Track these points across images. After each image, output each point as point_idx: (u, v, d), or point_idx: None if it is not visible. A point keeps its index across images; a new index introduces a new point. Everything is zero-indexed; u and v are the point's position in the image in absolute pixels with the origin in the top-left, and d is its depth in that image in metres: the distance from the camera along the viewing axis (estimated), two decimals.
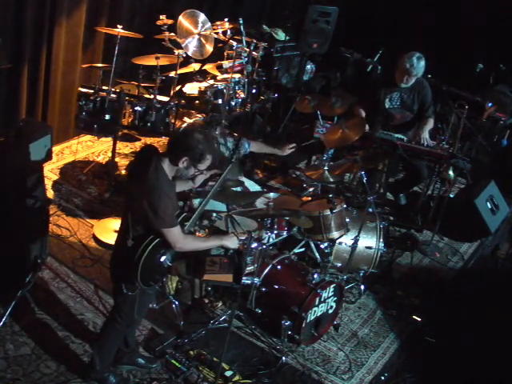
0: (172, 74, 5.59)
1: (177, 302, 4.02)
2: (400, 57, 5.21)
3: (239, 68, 5.82)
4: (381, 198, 5.57)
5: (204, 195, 3.45)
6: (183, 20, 5.59)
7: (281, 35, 6.98)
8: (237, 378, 3.69)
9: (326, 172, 4.56)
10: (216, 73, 5.90)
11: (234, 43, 5.73)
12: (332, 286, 4.06)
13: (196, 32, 5.65)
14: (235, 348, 3.93)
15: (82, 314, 4.01)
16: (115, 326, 3.37)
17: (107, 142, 6.01)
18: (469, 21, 7.09)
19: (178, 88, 5.46)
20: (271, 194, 4.25)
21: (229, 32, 5.87)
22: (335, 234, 4.35)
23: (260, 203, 4.32)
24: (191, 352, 3.80)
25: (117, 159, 5.59)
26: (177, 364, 3.71)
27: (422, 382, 3.98)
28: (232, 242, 3.36)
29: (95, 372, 3.46)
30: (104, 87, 5.27)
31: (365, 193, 4.89)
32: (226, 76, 5.75)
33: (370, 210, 4.51)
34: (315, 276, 4.01)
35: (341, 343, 4.20)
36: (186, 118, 5.41)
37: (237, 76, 5.71)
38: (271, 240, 4.20)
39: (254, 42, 5.86)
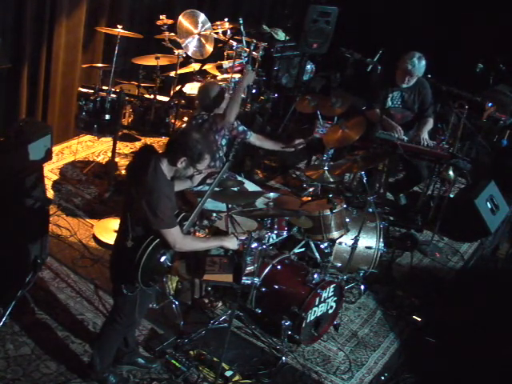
0: (172, 74, 5.60)
1: (177, 302, 4.02)
2: (400, 57, 5.21)
3: (239, 68, 5.82)
4: (381, 198, 5.57)
5: (202, 195, 3.44)
6: (183, 20, 5.59)
7: (281, 35, 6.99)
8: (237, 378, 3.69)
9: (326, 172, 4.54)
10: (216, 73, 5.90)
11: (234, 43, 5.74)
12: (332, 285, 4.06)
13: (196, 32, 5.66)
14: (235, 348, 3.92)
15: (82, 314, 4.01)
16: (115, 327, 3.37)
17: (107, 142, 6.01)
18: (469, 21, 7.09)
19: (178, 88, 5.46)
20: (271, 194, 4.24)
21: (229, 32, 5.88)
22: (335, 234, 4.35)
23: (260, 203, 4.32)
24: (191, 352, 3.80)
25: (117, 159, 5.59)
26: (177, 364, 3.71)
27: (421, 382, 3.98)
28: (232, 243, 3.36)
29: (95, 372, 3.45)
30: (104, 87, 5.27)
31: (365, 193, 4.89)
32: (226, 76, 5.75)
33: (370, 210, 4.51)
34: (315, 276, 4.00)
35: (341, 343, 4.20)
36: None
37: (237, 76, 5.71)
38: (271, 240, 4.20)
39: (254, 42, 5.87)
